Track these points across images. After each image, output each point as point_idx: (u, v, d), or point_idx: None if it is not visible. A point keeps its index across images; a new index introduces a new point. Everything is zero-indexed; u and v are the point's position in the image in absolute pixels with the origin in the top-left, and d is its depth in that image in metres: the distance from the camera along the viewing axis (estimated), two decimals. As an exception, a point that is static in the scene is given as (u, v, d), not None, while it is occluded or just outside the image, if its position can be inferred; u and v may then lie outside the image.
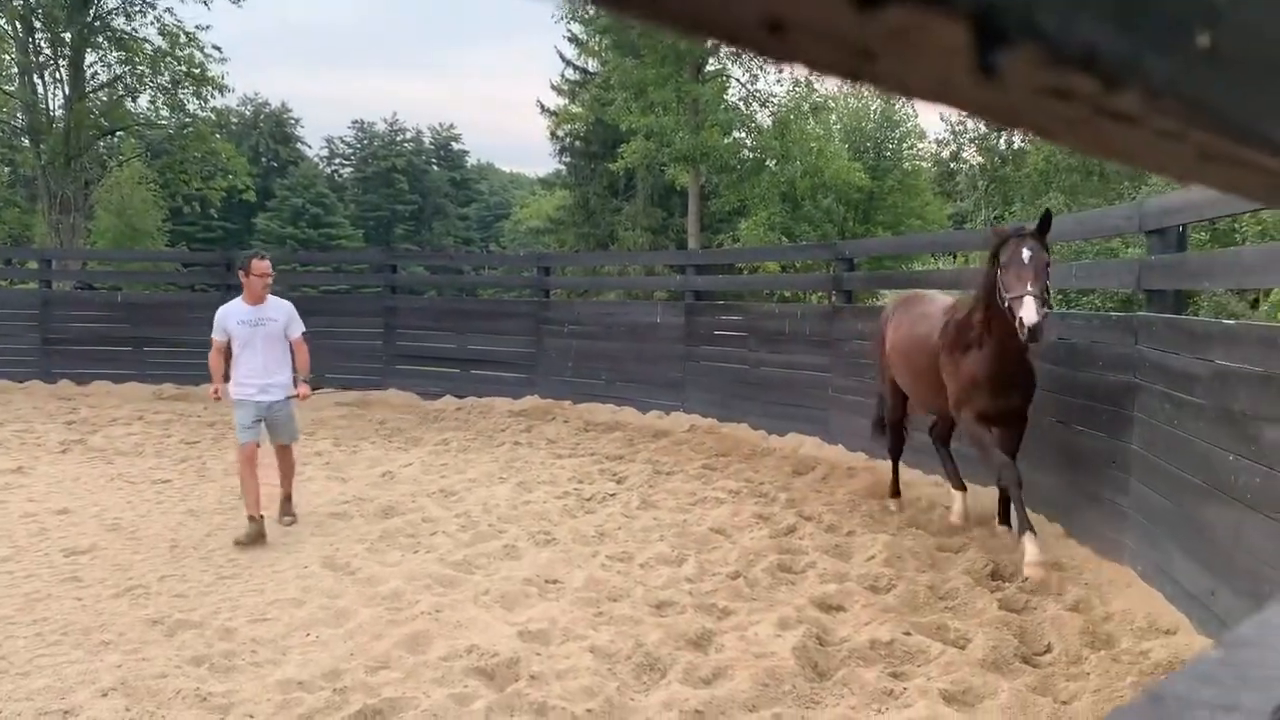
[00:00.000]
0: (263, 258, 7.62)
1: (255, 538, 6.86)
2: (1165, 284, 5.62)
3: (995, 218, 28.77)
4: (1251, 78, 0.30)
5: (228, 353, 7.41)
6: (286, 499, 7.56)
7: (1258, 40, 0.29)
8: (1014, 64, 0.25)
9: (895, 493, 7.76)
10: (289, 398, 7.47)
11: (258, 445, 7.26)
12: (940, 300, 7.13)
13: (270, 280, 7.51)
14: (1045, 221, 5.74)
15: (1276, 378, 4.01)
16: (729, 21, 0.22)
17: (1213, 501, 4.52)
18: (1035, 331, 5.44)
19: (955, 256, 18.03)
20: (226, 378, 7.39)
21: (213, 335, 7.46)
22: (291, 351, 7.58)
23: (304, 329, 7.64)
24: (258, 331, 7.36)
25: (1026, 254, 5.56)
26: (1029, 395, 6.26)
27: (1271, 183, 0.37)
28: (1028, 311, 5.42)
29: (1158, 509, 5.17)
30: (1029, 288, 5.48)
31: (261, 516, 7.01)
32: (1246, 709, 0.33)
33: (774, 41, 0.23)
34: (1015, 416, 6.28)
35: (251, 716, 4.10)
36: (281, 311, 7.53)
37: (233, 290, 15.56)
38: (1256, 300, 20.31)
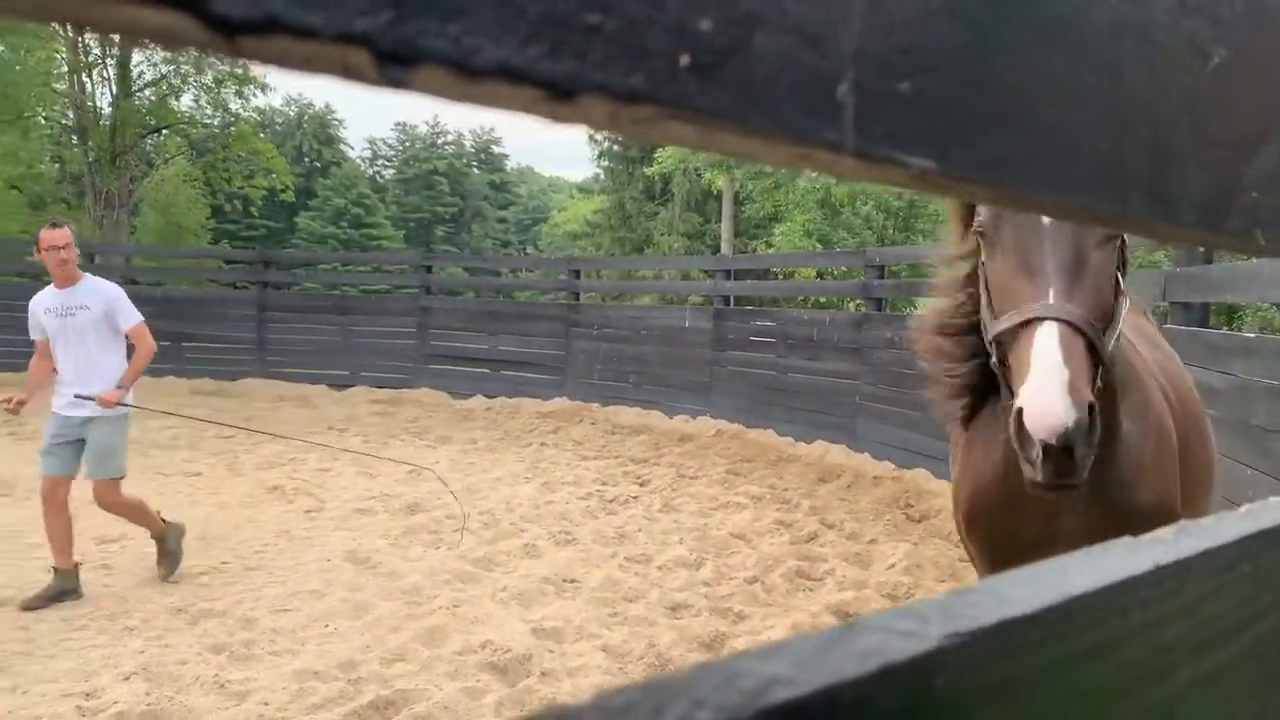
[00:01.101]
0: (54, 225, 5.71)
1: (57, 593, 5.40)
2: (1189, 296, 5.57)
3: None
4: (751, 92, 0.33)
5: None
6: (161, 557, 5.92)
7: (749, 64, 0.33)
8: (419, 79, 0.28)
9: None
10: (89, 418, 5.72)
11: (68, 479, 5.67)
12: None
13: (66, 256, 5.58)
14: None
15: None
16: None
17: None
18: (1056, 458, 1.89)
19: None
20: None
21: (31, 334, 5.83)
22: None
23: (139, 318, 5.87)
24: (66, 323, 5.65)
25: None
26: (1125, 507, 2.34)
27: (912, 178, 0.40)
28: (1032, 391, 1.91)
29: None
30: (1050, 301, 2.00)
31: (75, 565, 5.55)
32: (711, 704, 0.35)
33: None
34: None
35: (267, 704, 4.18)
36: (98, 297, 5.71)
37: (269, 288, 15.78)
38: (1301, 316, 19.98)
